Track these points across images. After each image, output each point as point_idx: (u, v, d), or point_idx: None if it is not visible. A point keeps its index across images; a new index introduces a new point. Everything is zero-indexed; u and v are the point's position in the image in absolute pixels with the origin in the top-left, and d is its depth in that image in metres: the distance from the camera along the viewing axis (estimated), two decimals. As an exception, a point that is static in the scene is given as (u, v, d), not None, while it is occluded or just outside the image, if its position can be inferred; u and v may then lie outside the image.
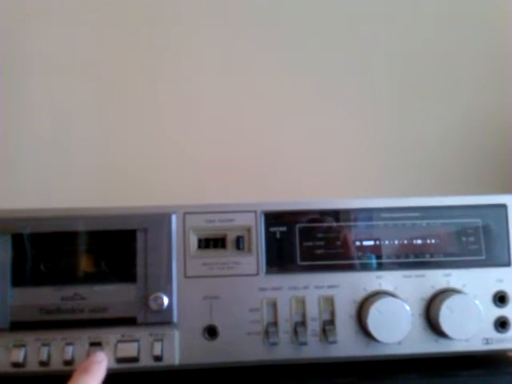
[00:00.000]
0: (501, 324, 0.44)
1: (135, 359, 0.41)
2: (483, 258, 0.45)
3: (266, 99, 0.82)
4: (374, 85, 0.84)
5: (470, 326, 0.42)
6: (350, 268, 0.45)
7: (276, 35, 0.83)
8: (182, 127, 0.81)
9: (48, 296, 0.41)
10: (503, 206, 0.45)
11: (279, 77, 0.83)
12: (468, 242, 0.45)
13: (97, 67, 0.81)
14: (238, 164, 0.81)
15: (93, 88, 0.81)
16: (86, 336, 0.41)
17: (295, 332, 0.43)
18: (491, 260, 0.45)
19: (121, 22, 0.82)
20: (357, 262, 0.45)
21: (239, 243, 0.44)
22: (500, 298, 0.44)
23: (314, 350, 0.43)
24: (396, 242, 0.45)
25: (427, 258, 0.45)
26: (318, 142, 0.82)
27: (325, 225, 0.45)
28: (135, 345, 0.41)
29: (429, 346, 0.44)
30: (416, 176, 0.82)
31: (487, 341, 0.44)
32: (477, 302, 0.43)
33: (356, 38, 0.84)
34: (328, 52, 0.84)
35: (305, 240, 0.45)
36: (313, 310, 0.44)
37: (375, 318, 0.42)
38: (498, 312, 0.44)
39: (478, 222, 0.45)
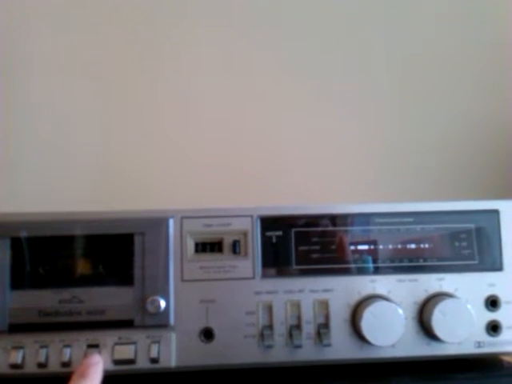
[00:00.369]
0: (492, 328, 0.45)
1: (132, 361, 0.42)
2: (476, 262, 0.46)
3: (266, 99, 0.83)
4: (373, 86, 0.84)
5: (461, 330, 0.43)
6: (345, 272, 0.45)
7: (276, 35, 0.84)
8: (181, 128, 0.82)
9: (46, 299, 0.42)
10: (495, 212, 0.46)
11: (279, 77, 0.83)
12: (461, 246, 0.46)
13: (96, 67, 0.82)
14: (238, 165, 0.82)
15: (92, 88, 0.81)
16: (83, 338, 0.42)
17: (290, 335, 0.44)
18: (484, 265, 0.46)
19: (120, 22, 0.83)
20: (351, 266, 0.46)
21: (236, 247, 0.45)
22: (492, 303, 0.45)
23: (308, 352, 0.44)
24: (390, 246, 0.46)
25: (420, 263, 0.46)
26: (317, 143, 0.83)
27: (320, 229, 0.46)
28: (132, 347, 0.42)
29: (421, 349, 0.45)
30: (415, 178, 0.83)
31: (479, 344, 0.45)
32: (469, 306, 0.43)
33: (356, 39, 0.85)
34: (328, 52, 0.84)
35: (300, 244, 0.46)
36: (308, 314, 0.44)
37: (369, 321, 0.43)
38: (490, 316, 0.45)
39: (471, 227, 0.46)
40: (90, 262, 0.43)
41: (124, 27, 0.83)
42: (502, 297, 0.45)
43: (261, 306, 0.44)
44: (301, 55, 0.84)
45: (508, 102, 0.85)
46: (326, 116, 0.84)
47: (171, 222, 0.44)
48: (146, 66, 0.82)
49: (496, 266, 0.46)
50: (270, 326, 0.44)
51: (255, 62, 0.83)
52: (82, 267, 0.43)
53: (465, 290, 0.45)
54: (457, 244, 0.46)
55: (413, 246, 0.46)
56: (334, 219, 0.46)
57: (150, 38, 0.83)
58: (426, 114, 0.84)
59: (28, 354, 0.41)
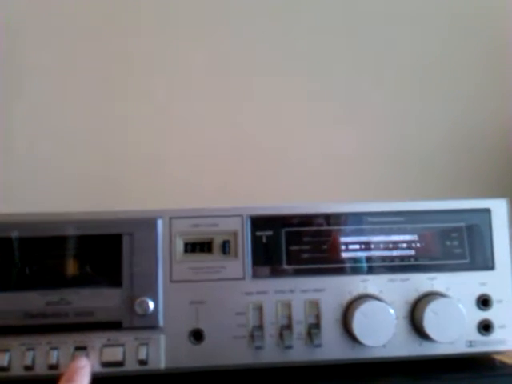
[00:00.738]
0: (484, 327, 0.44)
1: (120, 363, 0.41)
2: (467, 261, 0.45)
3: (265, 100, 0.82)
4: (372, 86, 0.84)
5: (453, 329, 0.42)
6: (336, 272, 0.45)
7: (276, 37, 0.83)
8: (180, 128, 0.81)
9: (33, 300, 0.41)
10: (487, 211, 0.46)
11: (277, 75, 0.82)
12: (452, 245, 0.45)
13: (93, 67, 0.81)
14: (237, 166, 0.81)
15: (89, 88, 0.80)
16: (71, 340, 0.41)
17: (281, 335, 0.43)
18: (475, 264, 0.45)
19: (118, 22, 0.82)
20: (342, 265, 0.45)
21: (225, 247, 0.44)
22: (483, 302, 0.44)
23: (299, 353, 0.43)
24: (381, 245, 0.45)
25: (412, 262, 0.45)
26: (315, 143, 0.82)
27: (311, 229, 0.45)
28: (120, 349, 0.41)
29: (413, 348, 0.44)
30: (412, 178, 0.82)
31: (471, 343, 0.44)
32: (460, 305, 0.43)
33: (356, 38, 0.84)
34: (328, 50, 0.83)
35: (291, 244, 0.45)
36: (298, 314, 0.44)
37: (360, 321, 0.42)
38: (482, 315, 0.44)
39: (462, 226, 0.46)
40: (77, 263, 0.42)
41: (119, 27, 0.82)
42: (494, 296, 0.45)
43: (251, 307, 0.43)
44: (299, 53, 0.83)
45: (506, 104, 0.85)
46: (325, 115, 0.83)
47: (160, 223, 0.43)
48: (141, 65, 0.81)
49: (487, 264, 0.45)
50: (261, 327, 0.43)
51: (254, 62, 0.83)
52: (70, 268, 0.42)
53: (456, 290, 0.44)
54: (448, 243, 0.45)
55: (404, 245, 0.45)
56: (324, 218, 0.45)
57: (146, 39, 0.82)
58: (423, 113, 0.84)
59: (14, 356, 0.40)
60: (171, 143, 0.81)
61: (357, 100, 0.83)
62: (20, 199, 0.76)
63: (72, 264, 0.42)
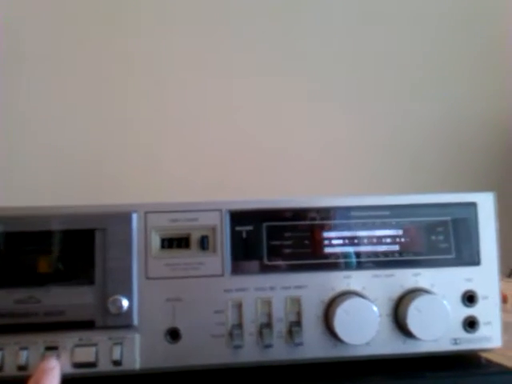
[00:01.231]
0: (469, 324, 0.41)
1: (93, 364, 0.38)
2: (453, 257, 0.42)
3: (265, 100, 0.79)
4: (369, 83, 0.81)
5: (437, 327, 0.40)
6: (318, 268, 0.42)
7: (276, 37, 0.80)
8: (179, 129, 0.78)
9: (0, 299, 0.37)
10: (473, 205, 0.42)
11: (278, 79, 0.80)
12: (438, 240, 0.42)
13: (93, 67, 0.77)
14: (237, 166, 0.78)
15: (89, 88, 0.77)
16: (41, 340, 0.38)
17: (261, 334, 0.40)
18: (461, 259, 0.42)
19: (118, 22, 0.78)
20: (325, 261, 0.42)
21: (204, 243, 0.41)
22: (469, 298, 0.42)
23: (279, 352, 0.40)
24: (365, 240, 0.42)
25: (396, 257, 0.42)
26: (314, 143, 0.79)
27: (292, 223, 0.42)
28: (93, 349, 0.38)
29: (397, 346, 0.41)
30: (402, 174, 0.80)
31: (455, 341, 0.41)
32: (445, 302, 0.40)
33: (354, 35, 0.82)
34: (327, 53, 0.81)
35: (272, 239, 0.41)
36: (279, 311, 0.41)
37: (342, 319, 0.39)
38: (467, 312, 0.42)
39: (448, 220, 0.42)
40: (48, 260, 0.39)
41: (119, 27, 0.79)
42: (479, 292, 0.42)
43: (230, 304, 0.40)
44: (299, 53, 0.81)
45: (493, 101, 0.82)
46: (325, 114, 0.80)
47: (135, 217, 0.40)
48: (139, 66, 0.78)
49: (473, 260, 0.42)
50: (240, 325, 0.40)
51: (252, 61, 0.80)
52: (40, 265, 0.39)
53: (441, 286, 0.41)
54: (434, 238, 0.42)
55: (388, 240, 0.42)
56: (306, 213, 0.42)
57: (146, 38, 0.78)
58: (414, 111, 0.81)
59: (-19, 357, 0.37)
60: (171, 143, 0.78)
61: (356, 100, 0.81)
62: (21, 198, 0.73)
63: (42, 260, 0.39)
